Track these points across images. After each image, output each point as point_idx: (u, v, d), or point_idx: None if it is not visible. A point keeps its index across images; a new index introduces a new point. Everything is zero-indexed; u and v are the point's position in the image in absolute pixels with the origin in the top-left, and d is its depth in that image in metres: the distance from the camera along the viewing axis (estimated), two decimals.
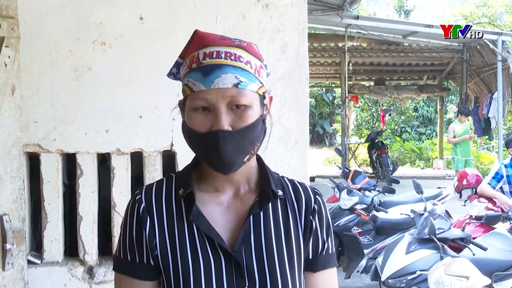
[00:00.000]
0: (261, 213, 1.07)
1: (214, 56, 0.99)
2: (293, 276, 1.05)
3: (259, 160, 1.13)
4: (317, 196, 1.13)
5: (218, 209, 1.07)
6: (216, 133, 0.97)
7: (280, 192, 1.09)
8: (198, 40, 1.03)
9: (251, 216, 1.05)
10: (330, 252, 1.13)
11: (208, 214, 1.05)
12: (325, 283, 1.12)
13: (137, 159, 2.59)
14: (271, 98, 1.09)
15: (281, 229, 1.07)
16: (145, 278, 1.06)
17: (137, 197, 1.08)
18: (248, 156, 1.02)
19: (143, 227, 1.05)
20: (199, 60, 0.99)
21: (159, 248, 1.04)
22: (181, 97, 1.06)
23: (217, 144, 0.97)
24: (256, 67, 1.02)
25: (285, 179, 1.15)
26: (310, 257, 1.10)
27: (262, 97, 1.04)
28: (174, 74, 1.10)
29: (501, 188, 4.81)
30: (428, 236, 3.50)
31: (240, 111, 0.99)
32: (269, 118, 1.08)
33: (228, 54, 0.99)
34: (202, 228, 1.03)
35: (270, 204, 1.08)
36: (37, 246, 2.62)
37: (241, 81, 0.98)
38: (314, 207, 1.11)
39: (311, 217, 1.10)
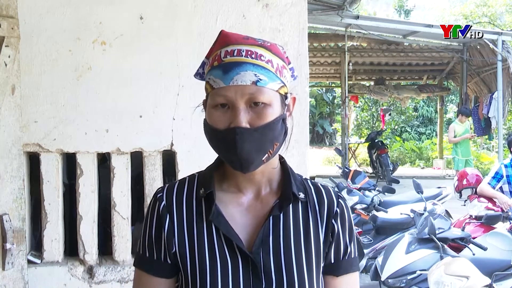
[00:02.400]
0: (281, 215, 1.06)
1: (235, 54, 0.99)
2: (311, 279, 1.04)
3: (282, 161, 1.13)
4: (340, 200, 1.12)
5: (238, 210, 1.07)
6: (234, 130, 0.96)
7: (301, 195, 1.08)
8: (222, 40, 1.04)
9: (271, 218, 1.05)
10: (352, 256, 1.12)
11: (228, 215, 1.05)
12: (347, 287, 1.12)
13: (137, 159, 2.59)
14: (294, 99, 1.09)
15: (301, 231, 1.06)
16: (162, 276, 1.07)
17: (158, 195, 1.09)
18: (267, 155, 1.01)
19: (162, 225, 1.06)
20: (221, 58, 1.00)
21: (177, 246, 1.05)
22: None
23: (234, 141, 0.97)
24: (278, 66, 1.02)
25: (308, 181, 1.14)
26: (333, 261, 1.10)
27: (284, 97, 1.04)
28: (200, 74, 1.11)
29: (500, 188, 4.81)
30: (428, 236, 3.50)
31: (259, 109, 0.98)
32: (291, 119, 1.08)
33: (249, 53, 0.99)
34: (221, 229, 1.03)
35: (290, 206, 1.07)
36: (37, 245, 2.62)
37: (261, 79, 0.98)
38: (336, 210, 1.10)
39: (333, 221, 1.09)
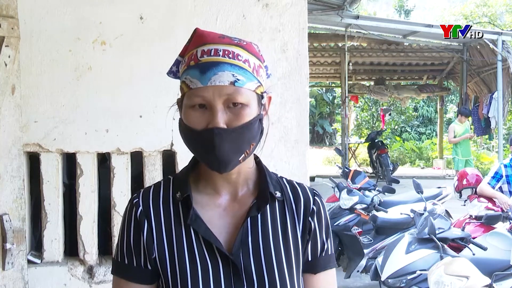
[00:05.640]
0: (259, 215, 1.06)
1: (212, 53, 0.99)
2: (292, 277, 1.05)
3: (258, 160, 1.13)
4: (316, 197, 1.12)
5: (216, 212, 1.06)
6: (212, 131, 0.96)
7: (278, 194, 1.09)
8: (197, 38, 1.03)
9: (249, 219, 1.05)
10: (329, 253, 1.12)
11: (205, 217, 1.04)
12: (326, 284, 1.12)
13: (137, 159, 2.59)
14: (269, 98, 1.09)
15: (279, 230, 1.07)
16: (142, 282, 1.06)
17: (134, 201, 1.08)
18: (243, 155, 1.01)
19: (140, 231, 1.05)
20: (197, 58, 0.99)
21: (157, 252, 1.04)
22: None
23: (212, 142, 0.97)
24: (254, 66, 1.02)
25: (284, 179, 1.14)
26: (310, 259, 1.10)
27: (260, 97, 1.04)
28: (174, 72, 1.10)
29: (500, 188, 4.81)
30: (428, 235, 3.50)
31: (236, 110, 0.98)
32: (266, 118, 1.07)
33: (226, 52, 0.99)
34: (200, 232, 1.03)
35: (268, 206, 1.07)
36: (37, 245, 2.62)
37: (238, 79, 0.98)
38: (313, 208, 1.10)
39: (310, 219, 1.09)
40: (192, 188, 1.07)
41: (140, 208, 1.06)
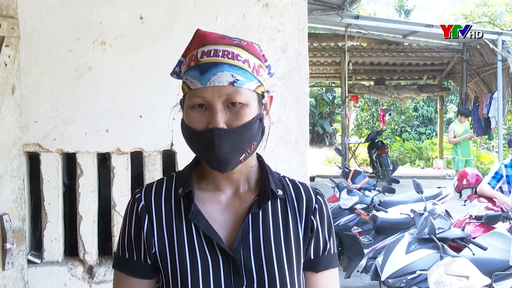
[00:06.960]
0: (260, 212, 1.07)
1: (212, 54, 1.00)
2: (292, 275, 1.05)
3: (260, 159, 1.13)
4: (318, 196, 1.12)
5: (217, 208, 1.07)
6: (212, 131, 0.97)
7: (280, 192, 1.09)
8: (198, 39, 1.04)
9: (250, 215, 1.06)
10: (332, 252, 1.13)
11: (207, 213, 1.05)
12: (327, 283, 1.12)
13: (137, 159, 2.59)
14: (271, 98, 1.09)
15: (280, 228, 1.07)
16: (142, 276, 1.07)
17: (136, 196, 1.09)
18: (244, 155, 1.02)
19: (141, 226, 1.06)
20: (197, 58, 1.01)
21: (157, 247, 1.05)
22: (181, 96, 1.07)
23: (212, 142, 0.97)
24: (254, 66, 1.03)
25: (286, 179, 1.15)
26: (312, 257, 1.10)
27: (261, 96, 1.04)
28: (177, 73, 1.11)
29: (500, 188, 4.81)
30: (428, 235, 3.50)
31: (236, 110, 0.99)
32: (268, 118, 1.08)
33: (226, 53, 1.00)
34: (201, 227, 1.04)
35: (269, 203, 1.08)
36: (37, 245, 2.62)
37: (238, 79, 0.98)
38: (315, 206, 1.10)
39: (312, 217, 1.10)
40: (194, 185, 1.08)
41: (142, 203, 1.07)
